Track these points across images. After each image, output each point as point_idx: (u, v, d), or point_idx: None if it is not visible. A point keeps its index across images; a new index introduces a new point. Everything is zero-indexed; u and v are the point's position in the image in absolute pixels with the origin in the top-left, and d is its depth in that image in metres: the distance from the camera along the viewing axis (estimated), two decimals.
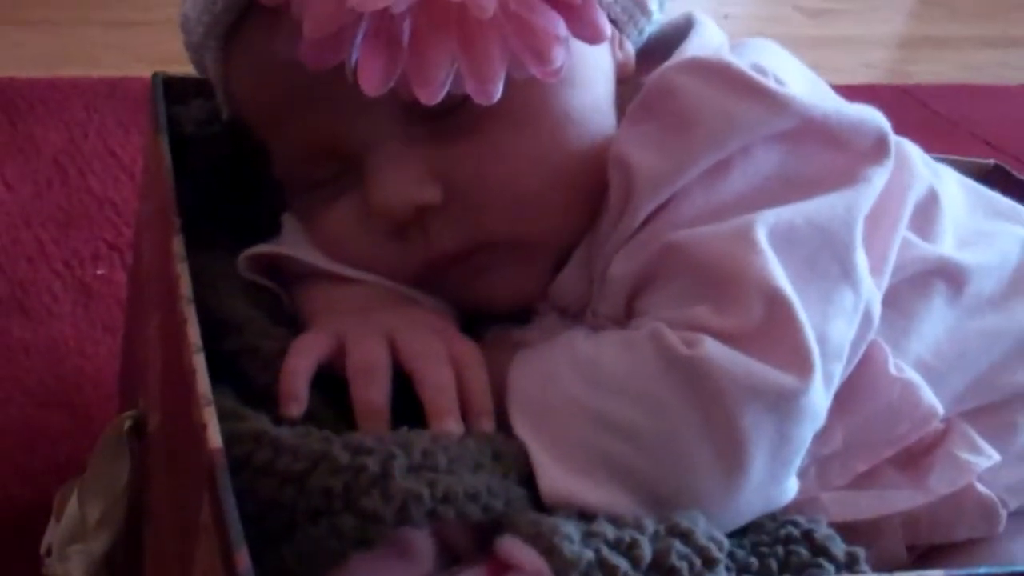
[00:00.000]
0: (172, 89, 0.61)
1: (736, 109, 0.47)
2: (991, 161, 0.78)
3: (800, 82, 0.52)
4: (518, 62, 0.45)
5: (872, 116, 0.50)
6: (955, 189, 0.60)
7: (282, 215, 0.57)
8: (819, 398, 0.44)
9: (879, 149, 0.50)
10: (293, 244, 0.54)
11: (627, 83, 0.55)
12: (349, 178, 0.52)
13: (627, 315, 0.49)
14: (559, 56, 0.45)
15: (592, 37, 0.45)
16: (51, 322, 0.86)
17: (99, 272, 0.92)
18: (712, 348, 0.43)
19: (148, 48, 1.29)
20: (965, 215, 0.58)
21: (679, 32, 0.57)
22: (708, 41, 0.55)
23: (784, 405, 0.43)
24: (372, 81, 0.45)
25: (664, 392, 0.43)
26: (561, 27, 0.44)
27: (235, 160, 0.60)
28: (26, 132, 1.09)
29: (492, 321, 0.54)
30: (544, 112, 0.49)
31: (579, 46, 0.47)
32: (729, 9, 1.85)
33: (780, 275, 0.45)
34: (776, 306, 0.44)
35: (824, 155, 0.49)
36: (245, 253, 0.53)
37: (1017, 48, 1.90)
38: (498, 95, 0.45)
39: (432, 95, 0.45)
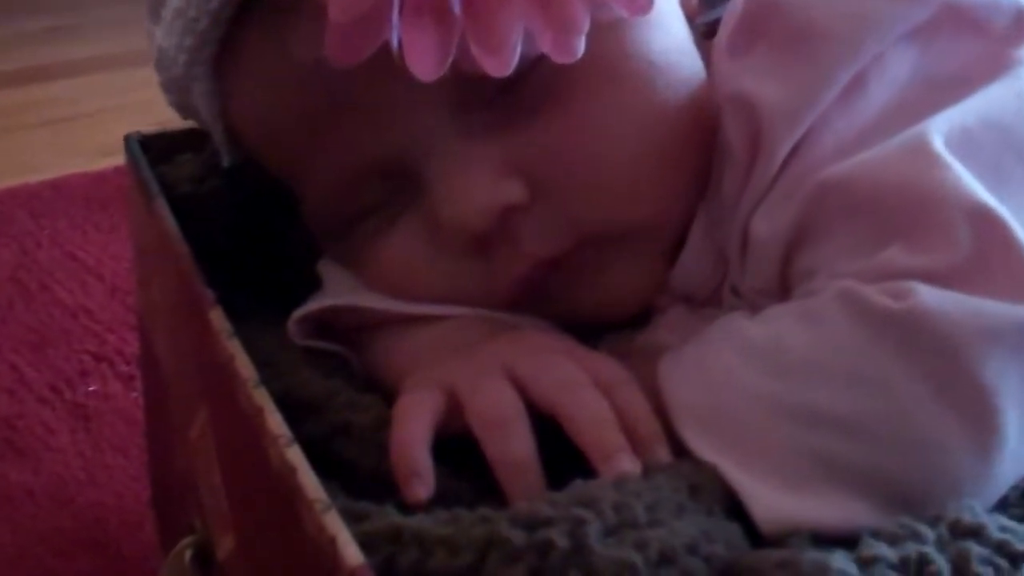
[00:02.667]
0: (151, 149, 0.52)
1: (865, 6, 0.39)
2: None
3: None
4: (598, 1, 0.36)
5: None
6: None
7: (317, 265, 0.48)
8: None
9: (1021, 26, 0.42)
10: (347, 293, 0.45)
11: (694, 23, 0.46)
12: (402, 198, 0.42)
13: (782, 284, 0.40)
14: None
15: None
16: (51, 457, 0.75)
17: (91, 389, 0.82)
18: (926, 295, 0.34)
19: (85, 142, 1.21)
20: None
21: None
22: None
23: None
24: (425, 62, 0.35)
25: (877, 363, 0.34)
26: None
27: (247, 214, 0.50)
28: None
29: (603, 333, 0.45)
30: (624, 64, 0.41)
31: None
32: None
33: (979, 189, 0.36)
34: (986, 226, 0.35)
35: (963, 46, 0.41)
36: (296, 315, 0.44)
37: None
38: (582, 49, 0.36)
39: (504, 64, 0.35)
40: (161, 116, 0.50)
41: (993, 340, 0.34)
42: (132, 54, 1.38)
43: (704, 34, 0.46)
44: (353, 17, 0.35)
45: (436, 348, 0.41)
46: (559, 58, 0.36)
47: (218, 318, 0.39)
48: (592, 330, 0.44)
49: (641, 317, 0.44)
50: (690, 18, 0.46)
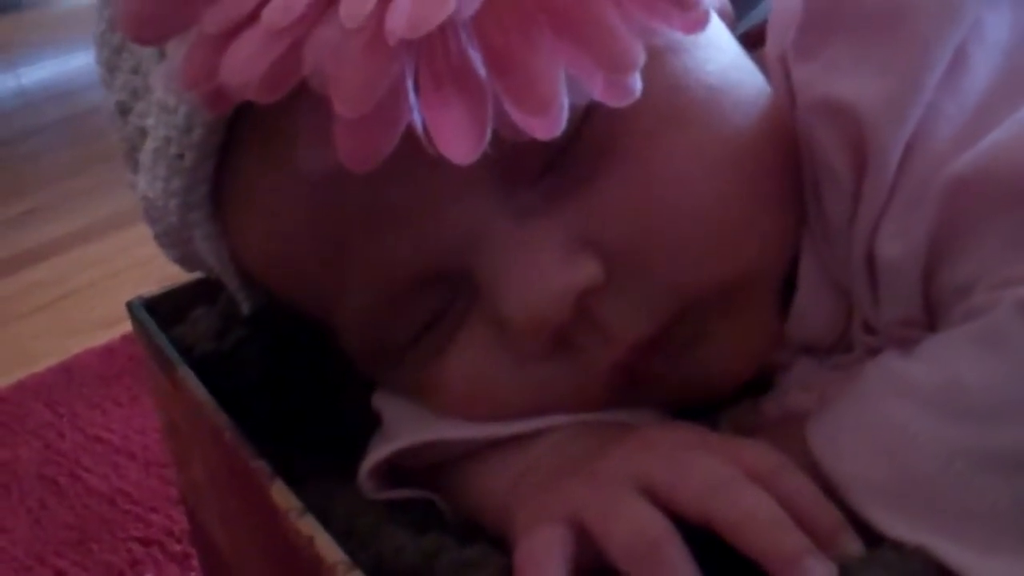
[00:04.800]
0: (159, 312, 0.46)
1: None
2: None
3: None
4: (648, 26, 0.30)
5: None
6: None
7: (372, 400, 0.41)
8: None
9: None
10: (415, 425, 0.38)
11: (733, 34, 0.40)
12: (458, 305, 0.36)
13: (926, 309, 0.33)
14: None
15: None
16: None
17: None
18: None
19: (82, 318, 1.15)
20: None
21: None
22: None
23: None
24: (461, 143, 0.29)
25: None
26: None
27: (282, 359, 0.44)
28: None
29: (717, 408, 0.38)
30: (683, 95, 0.35)
31: None
32: None
33: None
34: None
35: None
36: (366, 467, 0.37)
37: None
38: (639, 88, 0.30)
39: (554, 122, 0.29)
40: (151, 275, 0.44)
41: None
42: (110, 220, 1.35)
43: (745, 45, 0.41)
44: (365, 109, 0.29)
45: (540, 472, 0.35)
46: (614, 102, 0.30)
47: (282, 495, 0.32)
48: (702, 407, 0.38)
49: (758, 380, 0.38)
50: (730, 28, 0.40)
